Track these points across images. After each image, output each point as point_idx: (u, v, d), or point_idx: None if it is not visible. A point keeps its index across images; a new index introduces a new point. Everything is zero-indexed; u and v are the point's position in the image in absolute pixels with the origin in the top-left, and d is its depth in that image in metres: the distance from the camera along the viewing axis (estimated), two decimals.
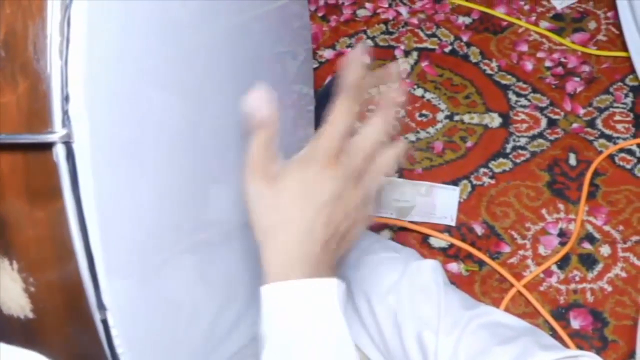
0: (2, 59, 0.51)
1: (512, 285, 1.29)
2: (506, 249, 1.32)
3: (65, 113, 0.50)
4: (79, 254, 0.53)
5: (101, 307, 0.55)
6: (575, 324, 1.25)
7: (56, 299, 0.56)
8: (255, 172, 0.67)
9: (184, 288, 0.68)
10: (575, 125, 1.44)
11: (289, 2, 1.04)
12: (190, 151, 0.66)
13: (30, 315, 0.57)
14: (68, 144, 0.50)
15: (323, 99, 1.34)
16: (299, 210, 0.66)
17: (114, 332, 0.57)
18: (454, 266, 1.31)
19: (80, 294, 0.55)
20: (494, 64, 1.53)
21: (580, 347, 1.22)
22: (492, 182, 1.39)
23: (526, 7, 1.61)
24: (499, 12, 1.60)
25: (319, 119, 1.29)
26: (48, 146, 0.51)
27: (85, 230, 0.52)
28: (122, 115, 0.55)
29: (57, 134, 0.50)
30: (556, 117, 1.46)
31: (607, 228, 1.33)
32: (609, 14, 1.58)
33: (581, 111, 1.46)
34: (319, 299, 0.65)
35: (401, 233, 1.35)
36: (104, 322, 0.56)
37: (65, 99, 0.50)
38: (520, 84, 1.50)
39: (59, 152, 0.51)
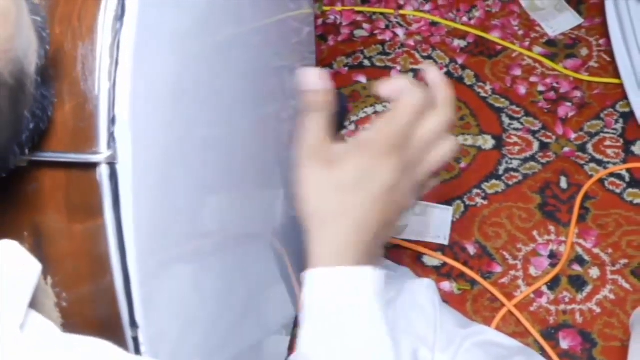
0: (51, 78, 0.52)
1: (503, 305, 1.31)
2: (498, 269, 1.35)
3: (111, 135, 0.51)
4: (116, 271, 0.54)
5: (133, 324, 0.56)
6: (565, 344, 1.27)
7: (88, 315, 0.57)
8: (311, 155, 0.65)
9: (210, 306, 0.70)
10: (566, 149, 1.47)
11: (299, 16, 1.07)
12: (222, 169, 0.67)
13: (61, 330, 0.58)
14: (112, 165, 0.51)
15: None
16: (356, 197, 0.64)
17: (142, 349, 0.58)
18: (446, 285, 1.33)
19: (113, 311, 0.56)
20: (488, 87, 1.56)
21: None
22: (485, 202, 1.42)
23: (520, 32, 1.64)
24: (494, 36, 1.63)
25: None
26: (92, 165, 0.52)
27: (123, 248, 0.53)
28: (162, 137, 0.56)
29: (102, 154, 0.51)
30: (548, 140, 1.49)
31: (596, 251, 1.36)
32: (601, 42, 1.61)
33: (572, 135, 1.49)
34: (365, 286, 0.64)
35: (395, 251, 1.36)
36: (135, 340, 0.57)
37: (112, 120, 0.51)
38: (514, 107, 1.53)
39: (103, 172, 0.52)
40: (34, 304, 0.57)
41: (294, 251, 1.14)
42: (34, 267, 0.47)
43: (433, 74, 0.69)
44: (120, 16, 0.51)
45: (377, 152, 0.65)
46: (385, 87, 0.67)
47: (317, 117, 0.66)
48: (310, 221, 0.65)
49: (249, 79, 0.77)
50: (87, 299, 0.57)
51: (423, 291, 1.21)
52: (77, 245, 0.55)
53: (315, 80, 0.66)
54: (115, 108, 0.51)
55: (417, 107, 0.66)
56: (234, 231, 0.76)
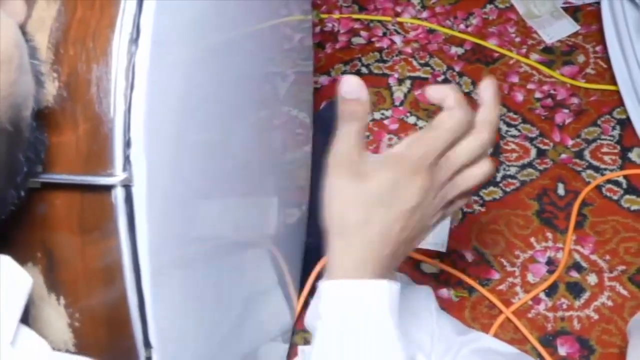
0: (64, 100, 0.52)
1: (501, 312, 1.32)
2: (496, 275, 1.35)
3: (126, 157, 0.51)
4: (130, 292, 0.54)
5: (147, 345, 0.56)
6: (563, 350, 1.28)
7: (100, 335, 0.57)
8: (342, 164, 0.65)
9: (212, 317, 0.70)
10: (563, 155, 1.48)
11: (296, 24, 1.07)
12: (227, 183, 0.68)
13: (73, 349, 0.58)
14: (128, 187, 0.52)
15: (322, 124, 1.37)
16: (383, 212, 0.64)
17: None
18: (444, 292, 1.34)
19: (126, 331, 0.56)
20: None
21: None
22: (483, 209, 1.42)
23: (517, 39, 1.65)
24: (491, 43, 1.64)
25: (317, 145, 1.32)
26: (107, 188, 0.52)
27: (138, 269, 0.54)
28: (173, 158, 0.56)
29: (118, 177, 0.51)
30: (545, 147, 1.49)
31: (594, 257, 1.37)
32: (598, 48, 1.62)
33: (570, 142, 1.50)
34: (381, 301, 0.64)
35: None
36: None
37: (127, 143, 0.51)
38: (511, 114, 1.54)
39: (118, 194, 0.52)
40: (43, 324, 0.57)
41: (292, 259, 1.14)
42: (25, 282, 0.47)
43: (489, 93, 0.69)
44: (135, 39, 0.51)
45: (407, 169, 0.65)
46: (434, 93, 0.67)
47: (352, 127, 0.65)
48: (333, 230, 0.65)
49: (253, 90, 0.78)
50: (100, 319, 0.57)
51: (421, 298, 1.22)
52: (90, 266, 0.55)
53: (355, 89, 0.66)
54: (131, 131, 0.51)
55: (454, 129, 0.65)
56: (237, 242, 0.76)
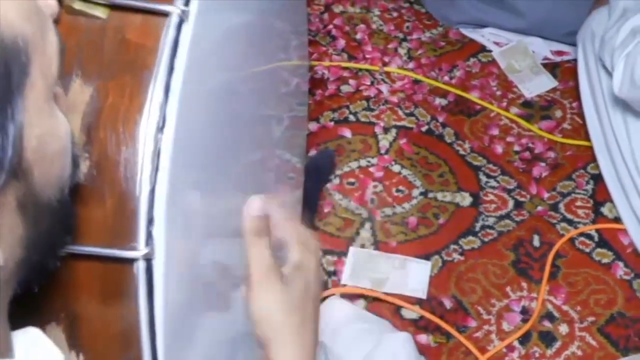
0: (94, 177, 0.57)
1: (477, 359, 1.38)
2: (472, 323, 1.41)
3: (149, 233, 0.56)
4: (145, 354, 0.59)
5: None
6: None
7: None
8: (270, 275, 0.69)
9: None
10: (539, 208, 1.55)
11: (295, 69, 1.13)
12: (235, 252, 0.73)
13: None
14: (149, 261, 0.57)
15: (311, 172, 1.42)
16: (309, 308, 0.72)
17: None
18: (423, 337, 1.39)
19: None
20: (467, 145, 1.63)
21: None
22: (462, 258, 1.48)
23: (498, 93, 1.72)
24: (473, 95, 1.71)
25: (308, 192, 1.38)
26: (130, 260, 0.57)
27: (153, 332, 0.59)
28: (190, 232, 0.62)
29: (140, 251, 0.56)
30: (522, 199, 1.56)
31: (566, 308, 1.43)
32: (574, 104, 1.70)
33: (546, 195, 1.56)
34: None
35: (375, 303, 1.42)
36: None
37: (150, 221, 0.56)
38: (491, 165, 1.61)
39: (140, 266, 0.57)
40: None
41: None
42: (57, 358, 0.52)
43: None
44: (161, 127, 0.57)
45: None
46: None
47: (264, 241, 0.70)
48: (274, 336, 0.70)
49: (256, 148, 0.84)
50: None
51: (400, 344, 1.28)
52: (109, 326, 0.60)
53: (258, 207, 0.71)
54: (154, 209, 0.57)
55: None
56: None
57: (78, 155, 0.54)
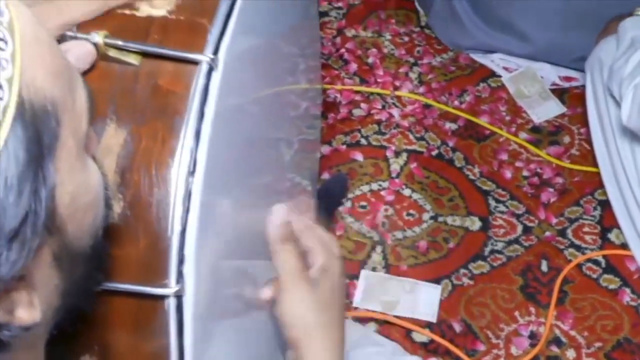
0: (127, 218, 0.60)
1: None
2: (481, 347, 1.43)
3: (180, 272, 0.59)
4: None
5: None
6: None
7: None
8: (298, 278, 0.75)
9: None
10: (548, 233, 1.57)
11: (308, 92, 1.17)
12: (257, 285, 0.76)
13: None
14: (179, 298, 0.60)
15: (324, 195, 1.45)
16: (335, 309, 0.78)
17: None
18: None
19: None
20: (476, 170, 1.66)
21: None
22: (471, 282, 1.51)
23: (507, 118, 1.75)
24: (483, 120, 1.74)
25: (320, 215, 1.40)
26: (161, 297, 0.60)
27: None
28: (216, 271, 0.65)
29: (172, 289, 0.59)
30: (531, 224, 1.59)
31: (573, 333, 1.45)
32: (582, 130, 1.72)
33: (554, 220, 1.59)
34: None
35: (386, 326, 1.45)
36: None
37: (181, 260, 0.59)
38: (500, 190, 1.63)
39: (171, 303, 0.60)
40: None
41: None
42: None
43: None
44: (192, 172, 0.60)
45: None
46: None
47: (290, 246, 0.77)
48: (305, 335, 0.76)
49: (273, 178, 0.88)
50: None
51: None
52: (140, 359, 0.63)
53: (282, 215, 0.77)
54: (185, 249, 0.59)
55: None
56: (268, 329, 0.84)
57: (111, 198, 0.57)
